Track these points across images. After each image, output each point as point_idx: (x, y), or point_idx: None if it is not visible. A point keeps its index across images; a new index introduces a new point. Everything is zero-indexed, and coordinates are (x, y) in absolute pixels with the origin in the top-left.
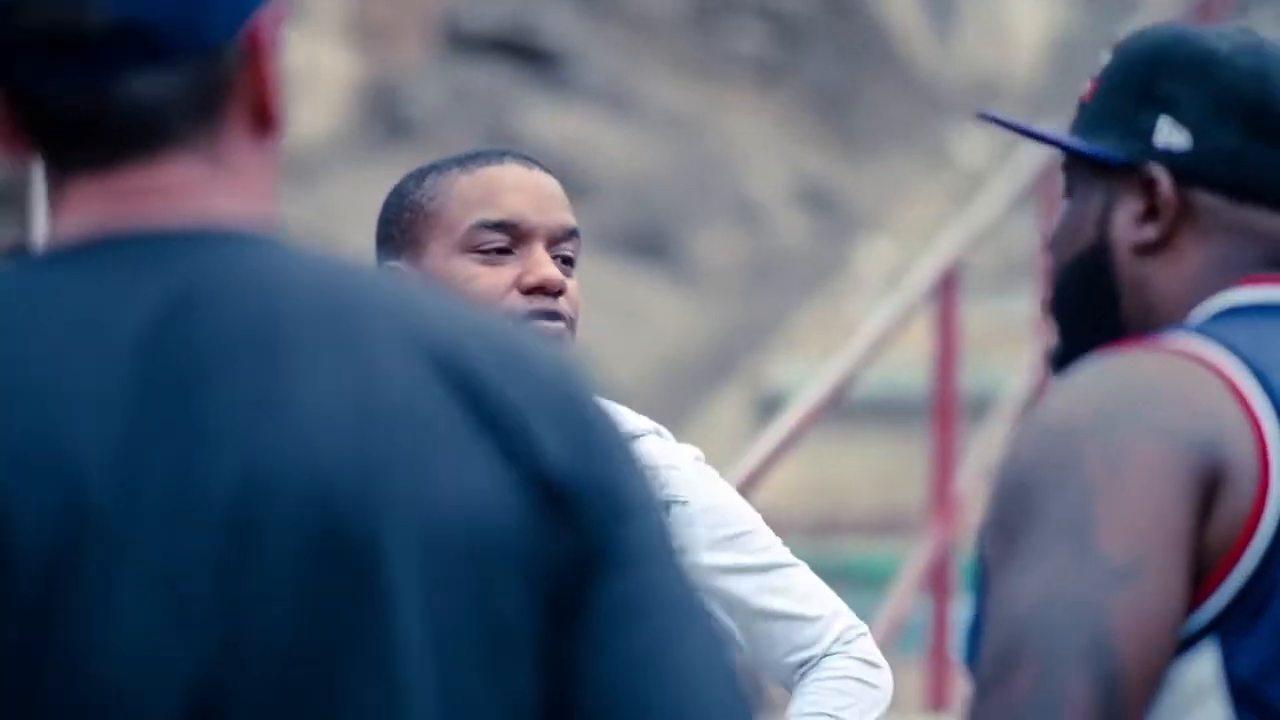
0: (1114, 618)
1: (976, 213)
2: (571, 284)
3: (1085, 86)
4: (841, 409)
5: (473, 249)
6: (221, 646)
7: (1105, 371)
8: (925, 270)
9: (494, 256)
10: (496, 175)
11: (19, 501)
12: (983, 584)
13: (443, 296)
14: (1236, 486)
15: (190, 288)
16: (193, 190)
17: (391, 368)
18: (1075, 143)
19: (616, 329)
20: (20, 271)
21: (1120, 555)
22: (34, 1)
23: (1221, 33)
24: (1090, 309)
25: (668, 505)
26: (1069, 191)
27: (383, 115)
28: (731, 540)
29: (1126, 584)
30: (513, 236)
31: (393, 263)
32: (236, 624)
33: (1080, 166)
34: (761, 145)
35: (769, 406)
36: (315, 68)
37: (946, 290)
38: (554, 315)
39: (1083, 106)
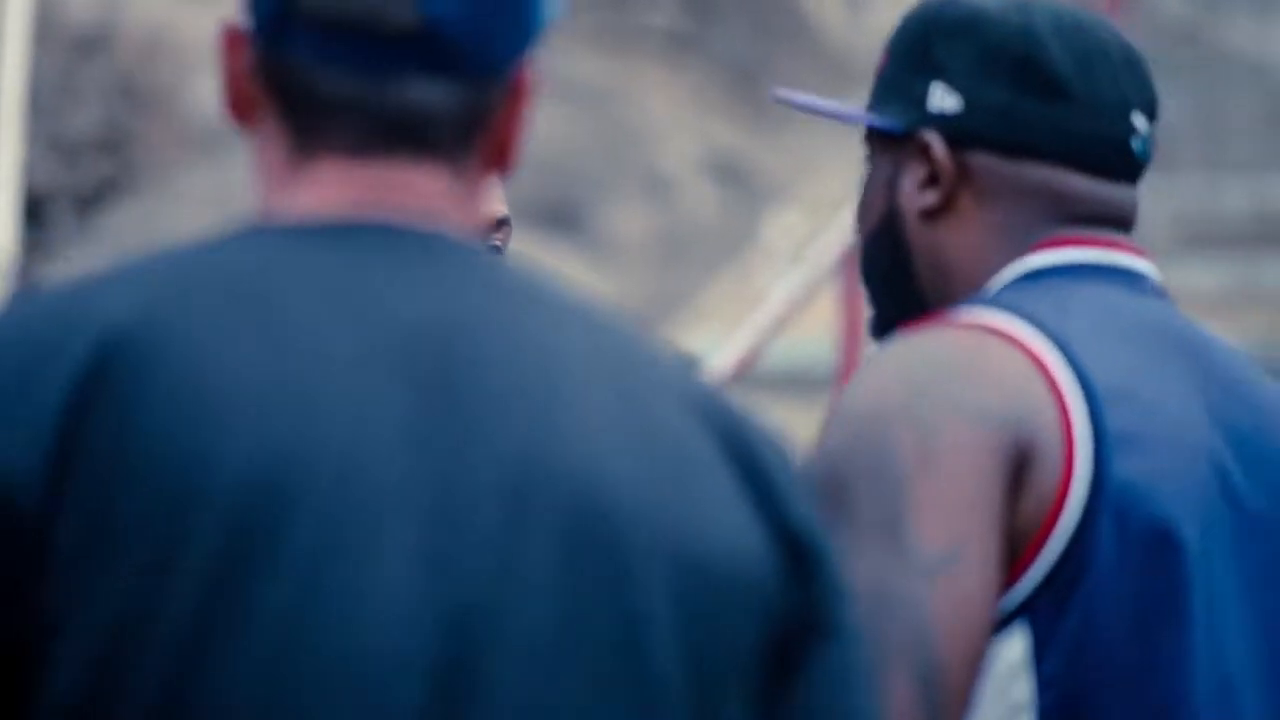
0: (931, 611)
1: None
2: None
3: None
4: (749, 380)
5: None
6: (476, 625)
7: (911, 351)
8: (831, 243)
9: None
10: None
11: (291, 465)
12: None
13: (679, 355)
14: (1043, 465)
15: (461, 287)
16: (442, 201)
17: (659, 406)
18: (860, 116)
19: None
20: (275, 239)
21: (935, 547)
22: None
23: None
24: (891, 277)
25: None
26: (867, 163)
27: None
28: None
29: (942, 576)
30: None
31: None
32: (496, 606)
33: (875, 138)
34: (673, 118)
35: None
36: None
37: (852, 263)
38: None
39: (876, 79)
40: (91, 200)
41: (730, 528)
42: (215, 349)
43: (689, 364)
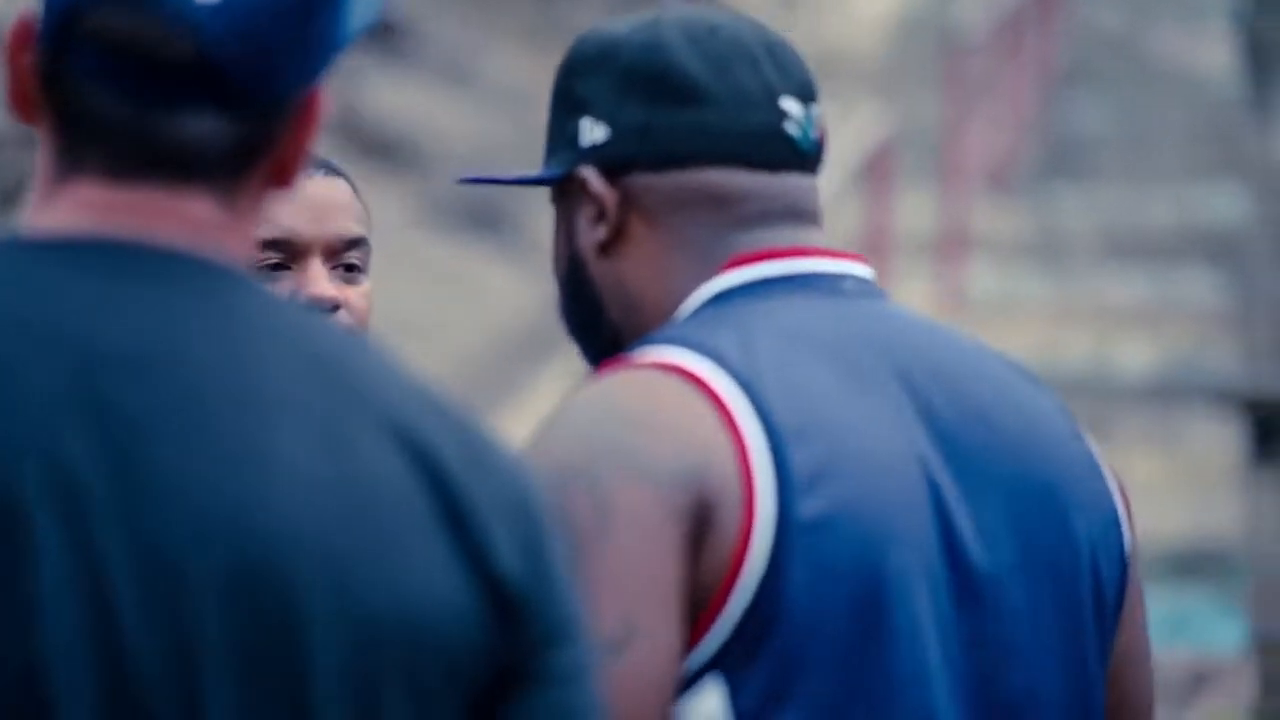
0: (608, 689)
1: None
2: (357, 293)
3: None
4: None
5: (254, 267)
6: (145, 677)
7: (590, 404)
8: None
9: (270, 274)
10: None
11: None
12: None
13: (405, 368)
14: (723, 517)
15: (184, 313)
16: (204, 226)
17: (366, 444)
18: (526, 175)
19: (448, 301)
20: (15, 252)
21: (608, 627)
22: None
23: (630, 19)
24: (585, 320)
25: None
26: (555, 216)
27: None
28: None
29: (617, 656)
30: (286, 253)
31: None
32: (166, 667)
33: (553, 192)
34: None
35: None
36: None
37: None
38: None
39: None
40: (13, 195)
41: (425, 581)
42: None
43: (425, 394)
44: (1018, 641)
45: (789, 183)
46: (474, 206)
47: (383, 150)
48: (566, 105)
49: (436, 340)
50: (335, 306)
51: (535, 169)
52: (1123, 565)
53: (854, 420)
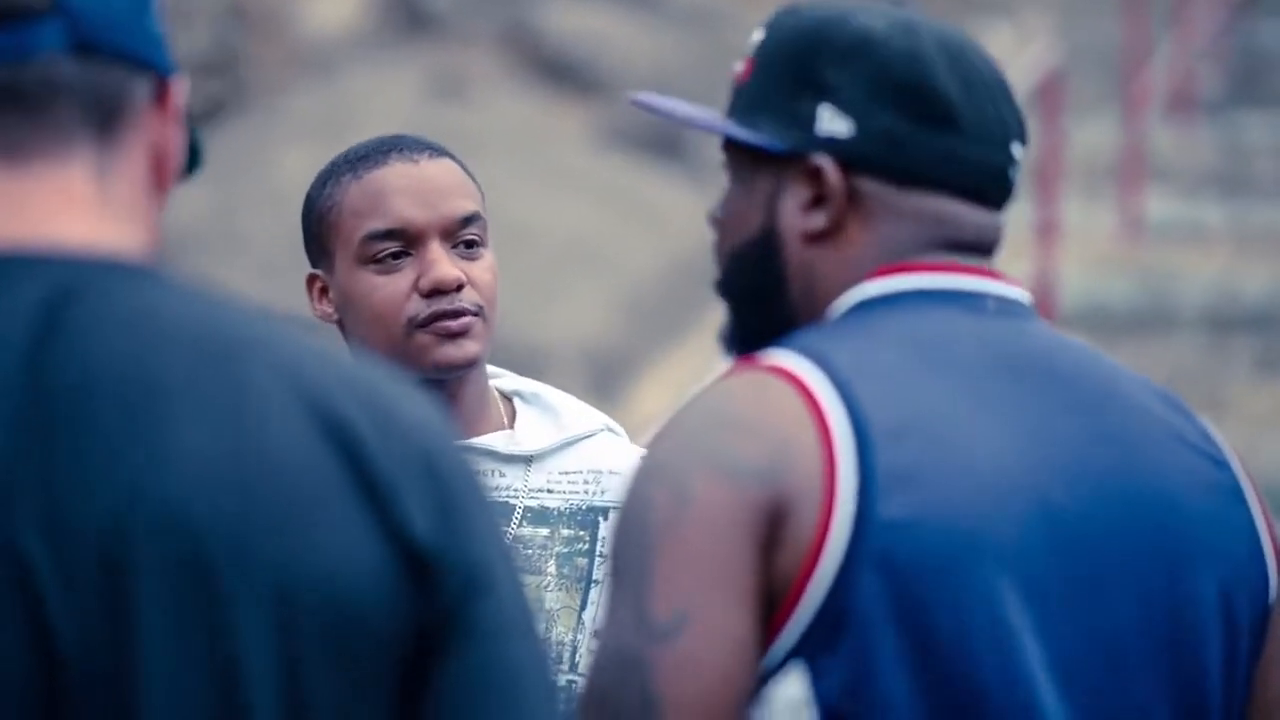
0: (658, 674)
1: None
2: (479, 267)
3: (738, 66)
4: None
5: (368, 260)
6: (81, 669)
7: (699, 402)
8: None
9: (389, 264)
10: (380, 180)
11: None
12: None
13: (317, 343)
14: (801, 513)
15: (69, 318)
16: (85, 209)
17: (271, 419)
18: (737, 131)
19: (630, 227)
20: None
21: (664, 613)
22: None
23: (875, 10)
24: (760, 294)
25: (606, 511)
26: (732, 174)
27: (403, 8)
28: None
29: (668, 641)
30: (404, 241)
31: (314, 270)
32: (105, 656)
33: (741, 151)
34: None
35: None
36: None
37: None
38: (457, 314)
39: (739, 89)
40: (199, 121)
41: (338, 548)
42: None
43: (337, 366)
44: (1129, 659)
45: (993, 219)
46: (654, 131)
47: (562, 73)
48: (804, 83)
49: (615, 264)
50: (460, 285)
51: (719, 93)
52: (1264, 604)
53: (961, 432)
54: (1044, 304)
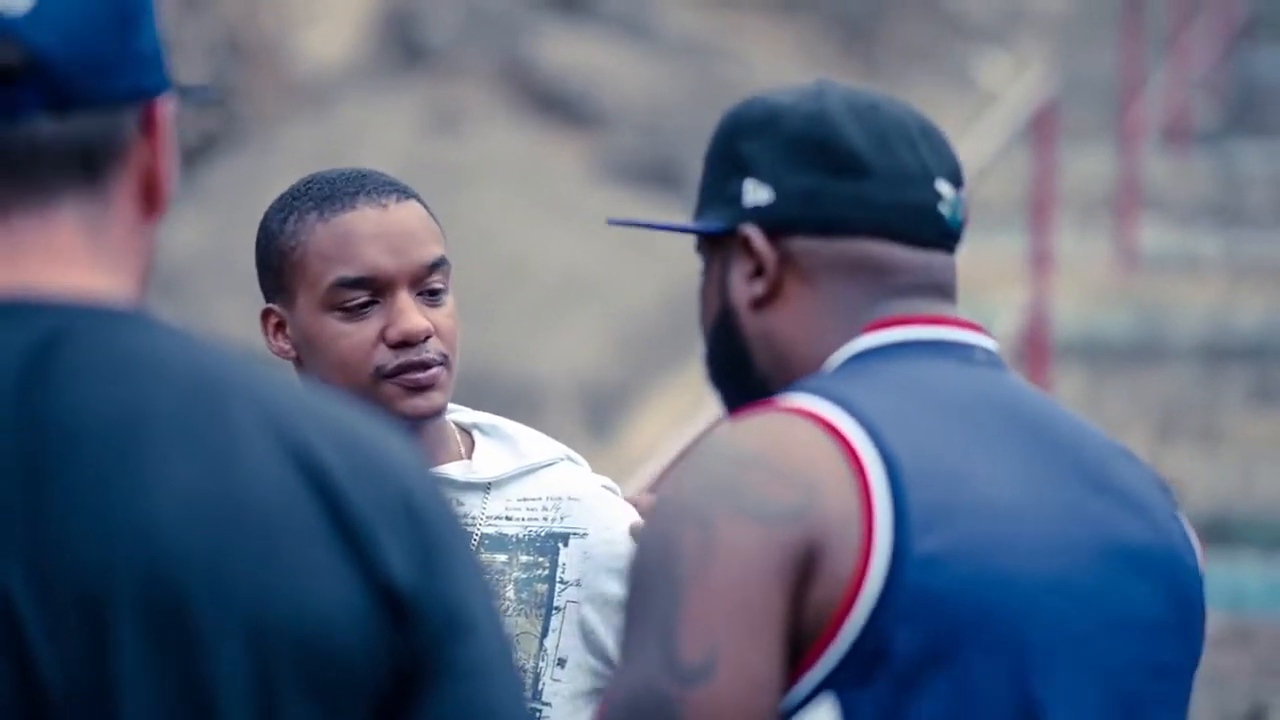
0: (688, 716)
1: (973, 146)
2: (442, 314)
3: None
4: None
5: (335, 307)
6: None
7: (720, 443)
8: None
9: (357, 312)
10: (350, 224)
11: None
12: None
13: (297, 385)
14: (836, 551)
15: (57, 361)
16: (73, 258)
17: (252, 461)
18: (684, 225)
19: (625, 259)
20: None
21: (694, 656)
22: None
23: (792, 89)
24: (732, 368)
25: (566, 537)
26: (702, 267)
27: (399, 41)
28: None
29: (698, 683)
30: (373, 290)
31: (270, 304)
32: (84, 698)
33: (704, 243)
34: (781, 73)
35: None
36: None
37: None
38: (423, 365)
39: (698, 190)
40: (195, 154)
41: (315, 588)
42: None
43: (315, 408)
44: (1143, 695)
45: (935, 260)
46: (650, 164)
47: (557, 105)
48: (728, 164)
49: (611, 297)
50: (428, 336)
51: (710, 126)
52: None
53: (975, 470)
54: (1038, 334)
